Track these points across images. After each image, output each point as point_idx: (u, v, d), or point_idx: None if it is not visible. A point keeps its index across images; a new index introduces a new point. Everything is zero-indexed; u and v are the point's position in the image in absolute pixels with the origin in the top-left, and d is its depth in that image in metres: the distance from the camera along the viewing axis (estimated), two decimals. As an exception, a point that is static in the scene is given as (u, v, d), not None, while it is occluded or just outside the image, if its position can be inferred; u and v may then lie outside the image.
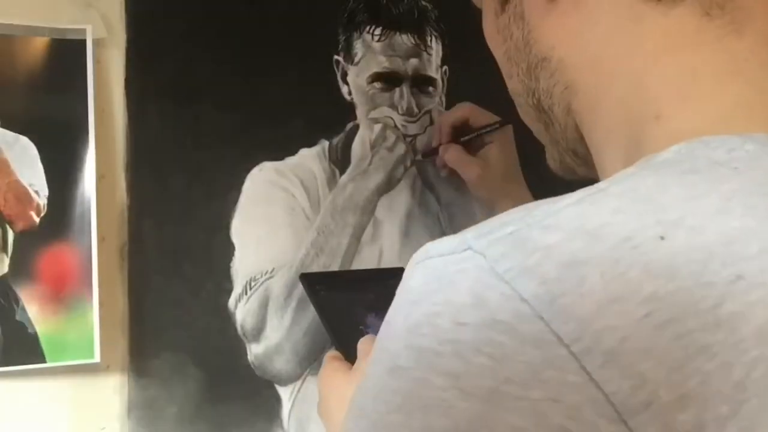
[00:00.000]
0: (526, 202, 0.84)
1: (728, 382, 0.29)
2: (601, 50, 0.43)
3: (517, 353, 0.29)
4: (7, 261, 0.75)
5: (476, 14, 0.96)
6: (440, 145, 0.89)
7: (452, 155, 0.87)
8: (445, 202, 0.93)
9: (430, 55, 0.93)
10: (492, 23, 0.51)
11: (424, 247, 0.35)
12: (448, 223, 0.93)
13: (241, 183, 0.84)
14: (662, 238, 0.31)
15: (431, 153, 0.91)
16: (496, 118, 0.88)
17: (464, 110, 0.89)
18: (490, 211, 0.88)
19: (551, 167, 0.54)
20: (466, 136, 0.88)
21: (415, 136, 0.92)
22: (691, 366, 0.29)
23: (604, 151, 0.45)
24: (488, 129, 0.87)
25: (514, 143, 0.88)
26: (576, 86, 0.45)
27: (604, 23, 0.43)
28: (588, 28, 0.44)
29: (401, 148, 0.91)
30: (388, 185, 0.90)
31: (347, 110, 0.90)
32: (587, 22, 0.44)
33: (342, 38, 0.90)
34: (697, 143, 0.36)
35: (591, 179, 0.45)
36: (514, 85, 0.50)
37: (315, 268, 0.85)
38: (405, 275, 0.35)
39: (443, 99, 0.94)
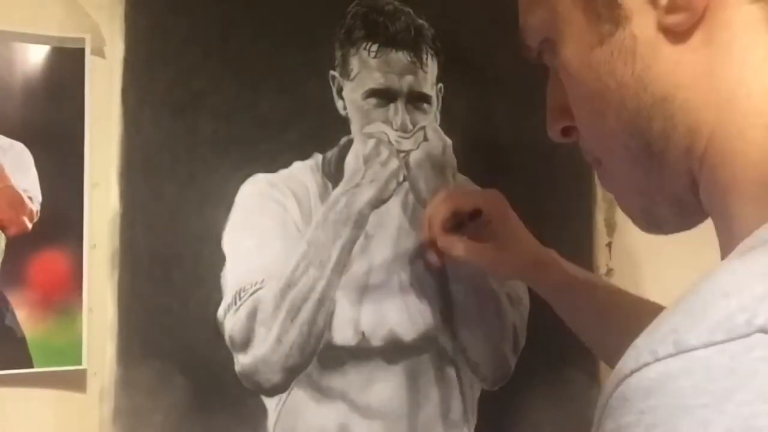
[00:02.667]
0: (559, 261, 0.84)
1: None
2: (735, 90, 0.41)
3: None
4: (-2, 265, 0.76)
5: (472, 33, 0.97)
6: (430, 241, 0.85)
7: (460, 249, 0.82)
8: (436, 218, 0.93)
9: (425, 72, 0.94)
10: (583, 56, 0.47)
11: (652, 343, 0.32)
12: (439, 239, 0.93)
13: (234, 194, 0.85)
14: None
15: (422, 249, 0.88)
16: (477, 198, 0.85)
17: (449, 201, 0.85)
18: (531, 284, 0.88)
19: (635, 218, 0.51)
20: (459, 226, 0.84)
21: (408, 152, 0.92)
22: None
23: (742, 200, 0.41)
24: (480, 216, 0.84)
25: (509, 206, 0.85)
26: (701, 129, 0.42)
27: (739, 60, 0.41)
28: (721, 66, 0.41)
29: (394, 164, 0.91)
30: (379, 200, 0.91)
31: (342, 125, 0.91)
32: (720, 59, 0.41)
33: (338, 54, 0.91)
34: None
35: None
36: (608, 125, 0.47)
37: (305, 281, 0.86)
38: (635, 387, 0.31)
39: (438, 116, 0.95)
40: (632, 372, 0.32)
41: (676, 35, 0.42)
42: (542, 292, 0.85)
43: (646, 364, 0.31)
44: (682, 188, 0.45)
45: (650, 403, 0.30)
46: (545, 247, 0.85)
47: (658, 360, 0.31)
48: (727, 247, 0.43)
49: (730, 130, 0.41)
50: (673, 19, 0.42)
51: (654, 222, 0.49)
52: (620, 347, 0.74)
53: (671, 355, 0.31)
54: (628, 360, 0.33)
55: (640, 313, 0.78)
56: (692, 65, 0.42)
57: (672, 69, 0.43)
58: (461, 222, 0.84)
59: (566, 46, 0.49)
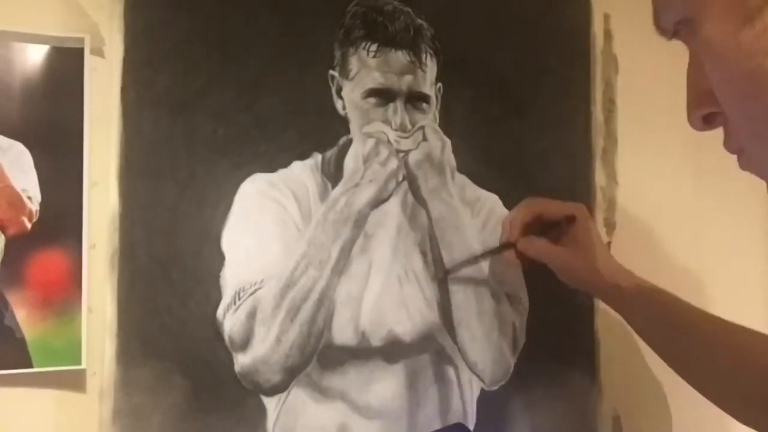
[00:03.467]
0: (628, 278, 0.86)
1: None
2: None
3: None
4: (-3, 265, 0.76)
5: (471, 32, 0.97)
6: (511, 241, 0.91)
7: (537, 247, 0.88)
8: (435, 218, 0.93)
9: (424, 72, 0.94)
10: (729, 35, 0.44)
11: None
12: (439, 239, 0.93)
13: (233, 193, 0.85)
14: None
15: (501, 249, 0.92)
16: (568, 207, 0.91)
17: (536, 206, 0.91)
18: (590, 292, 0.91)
19: None
20: (545, 228, 0.90)
21: (407, 152, 0.92)
22: None
23: None
24: (567, 222, 0.90)
25: (593, 221, 0.91)
26: None
27: None
28: None
29: (393, 163, 0.91)
30: (379, 199, 0.91)
31: (341, 124, 0.91)
32: None
33: (338, 53, 0.91)
34: None
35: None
36: (761, 108, 0.45)
37: (304, 281, 0.86)
38: None
39: (437, 115, 0.95)
40: None
41: None
42: (614, 303, 0.88)
43: None
44: None
45: None
46: (620, 263, 0.89)
47: None
48: None
49: None
50: None
51: None
52: (699, 367, 0.76)
53: None
54: None
55: (717, 333, 0.79)
56: None
57: None
58: (545, 227, 0.90)
59: (708, 25, 0.45)
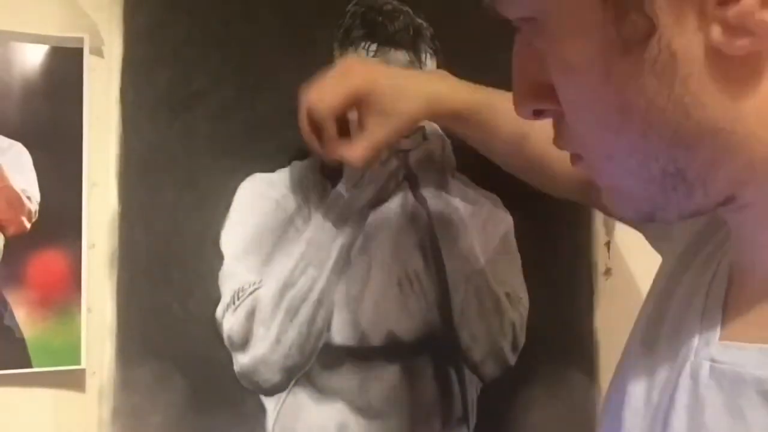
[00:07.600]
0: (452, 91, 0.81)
1: None
2: None
3: None
4: (-4, 265, 0.76)
5: (470, 32, 0.97)
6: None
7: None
8: (436, 218, 0.93)
9: (424, 71, 0.94)
10: (596, 60, 0.39)
11: None
12: (439, 239, 0.93)
13: (233, 193, 0.85)
14: None
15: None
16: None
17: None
18: None
19: (624, 212, 0.46)
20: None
21: (407, 151, 0.92)
22: None
23: None
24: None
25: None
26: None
27: None
28: None
29: (393, 163, 0.91)
30: (379, 200, 0.91)
31: (341, 124, 0.91)
32: None
33: (337, 53, 0.91)
34: None
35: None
36: (624, 142, 0.40)
37: (303, 281, 0.85)
38: None
39: (436, 115, 0.95)
40: None
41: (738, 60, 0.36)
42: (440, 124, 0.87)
43: None
44: (712, 205, 0.41)
45: None
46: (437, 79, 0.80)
47: None
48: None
49: None
50: (739, 43, 0.36)
51: (648, 219, 0.44)
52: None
53: None
54: None
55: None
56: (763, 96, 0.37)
57: (735, 105, 0.37)
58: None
59: (568, 40, 0.39)
